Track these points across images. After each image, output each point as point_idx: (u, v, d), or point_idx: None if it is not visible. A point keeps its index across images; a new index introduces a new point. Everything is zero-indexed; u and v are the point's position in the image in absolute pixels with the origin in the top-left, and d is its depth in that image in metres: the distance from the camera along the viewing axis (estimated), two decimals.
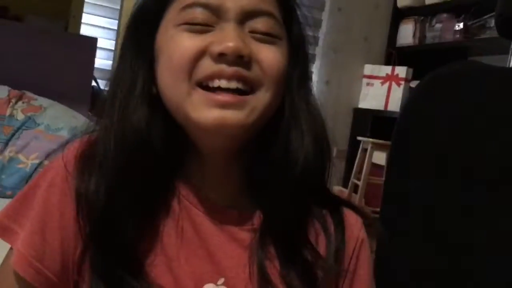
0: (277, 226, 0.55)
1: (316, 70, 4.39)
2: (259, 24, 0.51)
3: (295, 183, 0.54)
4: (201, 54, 0.49)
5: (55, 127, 1.59)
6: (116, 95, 0.53)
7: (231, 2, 0.50)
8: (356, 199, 3.06)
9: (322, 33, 3.79)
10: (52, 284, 0.52)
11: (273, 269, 0.54)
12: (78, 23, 2.18)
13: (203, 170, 0.56)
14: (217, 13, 0.51)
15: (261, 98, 0.51)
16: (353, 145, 3.68)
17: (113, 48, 2.64)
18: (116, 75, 0.54)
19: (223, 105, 0.48)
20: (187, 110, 0.50)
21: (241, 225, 0.56)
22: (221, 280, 0.54)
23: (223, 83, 0.49)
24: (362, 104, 3.80)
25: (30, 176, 1.47)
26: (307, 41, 0.58)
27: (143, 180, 0.51)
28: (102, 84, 2.33)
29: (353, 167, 3.35)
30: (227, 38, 0.49)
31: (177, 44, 0.50)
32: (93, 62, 2.03)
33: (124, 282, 0.50)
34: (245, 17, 0.51)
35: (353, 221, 0.61)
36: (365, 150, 3.12)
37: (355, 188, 3.16)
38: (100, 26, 2.65)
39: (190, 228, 0.55)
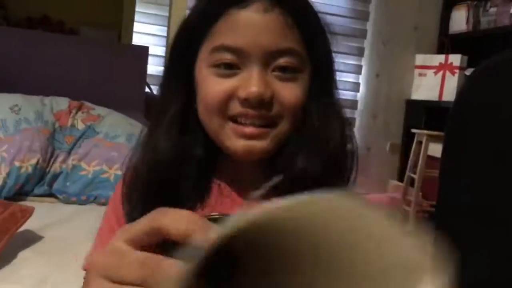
0: None
1: (365, 63, 4.32)
2: (282, 61, 0.57)
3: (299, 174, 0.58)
4: (229, 97, 0.56)
5: (113, 135, 1.65)
6: (159, 117, 0.61)
7: (253, 45, 0.56)
8: (413, 193, 2.99)
9: (370, 25, 3.73)
10: None
11: None
12: (130, 32, 2.25)
13: (234, 171, 0.62)
14: (242, 55, 0.56)
15: (281, 129, 0.58)
16: (408, 138, 3.60)
17: (163, 55, 2.71)
18: (160, 98, 0.63)
19: (250, 137, 0.57)
20: (221, 138, 0.58)
21: None
22: None
23: (248, 121, 0.56)
24: (415, 96, 3.71)
25: (92, 182, 1.54)
26: (331, 54, 0.62)
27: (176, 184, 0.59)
28: (155, 90, 2.40)
29: (408, 161, 3.28)
30: (250, 84, 0.55)
31: (208, 87, 0.57)
32: (145, 70, 2.09)
33: None
34: (268, 57, 0.56)
35: None
36: (420, 142, 3.05)
37: (411, 182, 3.09)
38: (150, 34, 2.72)
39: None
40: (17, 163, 1.45)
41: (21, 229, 1.05)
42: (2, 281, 0.90)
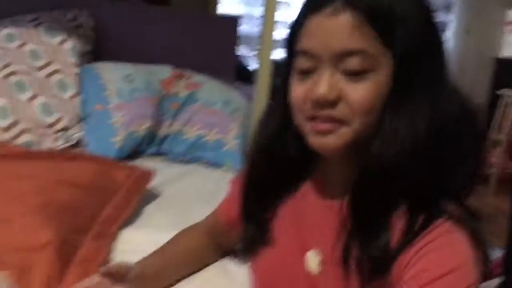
0: (361, 216, 0.65)
1: (454, 19, 4.19)
2: (350, 64, 0.61)
3: (379, 187, 0.63)
4: (304, 100, 0.65)
5: (211, 102, 1.83)
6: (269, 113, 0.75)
7: (322, 48, 0.61)
8: (496, 155, 2.97)
9: None
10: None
11: (354, 251, 0.65)
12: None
13: (324, 169, 0.73)
14: (314, 59, 0.63)
15: (353, 127, 0.62)
16: (493, 98, 3.51)
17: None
18: (268, 107, 0.77)
19: (322, 133, 0.64)
20: (305, 136, 0.67)
21: (342, 207, 0.68)
22: (318, 250, 0.71)
23: (320, 120, 0.64)
24: (505, 53, 3.58)
25: (194, 145, 1.74)
26: (422, 42, 0.61)
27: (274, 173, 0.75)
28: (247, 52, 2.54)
29: (492, 122, 3.23)
30: (317, 86, 0.62)
31: (292, 90, 0.67)
32: (235, 38, 2.24)
33: (256, 236, 0.76)
34: (336, 59, 0.61)
35: (435, 234, 0.61)
36: (506, 104, 2.99)
37: (495, 144, 3.06)
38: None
39: (304, 209, 0.74)
40: (132, 127, 1.67)
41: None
42: (134, 233, 1.09)
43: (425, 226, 0.62)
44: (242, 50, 3.05)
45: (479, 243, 0.62)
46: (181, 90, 1.85)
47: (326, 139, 0.64)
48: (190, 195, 1.38)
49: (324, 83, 0.61)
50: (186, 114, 1.79)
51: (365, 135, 0.62)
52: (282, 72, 0.72)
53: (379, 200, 0.63)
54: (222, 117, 1.79)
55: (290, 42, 0.67)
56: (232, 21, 2.23)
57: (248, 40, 3.18)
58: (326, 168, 0.72)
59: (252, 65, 2.80)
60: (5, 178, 0.95)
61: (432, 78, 0.63)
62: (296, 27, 0.65)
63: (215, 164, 1.70)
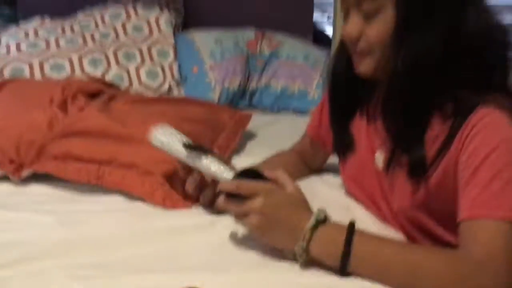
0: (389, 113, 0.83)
1: None
2: (364, 6, 0.77)
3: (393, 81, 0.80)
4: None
5: (292, 56, 2.02)
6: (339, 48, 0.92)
7: None
8: None
9: None
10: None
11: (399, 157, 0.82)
12: None
13: (380, 88, 0.89)
14: (345, 3, 0.80)
15: (376, 56, 0.79)
16: None
17: None
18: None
19: (355, 62, 0.83)
20: None
21: None
22: (381, 150, 0.88)
23: (353, 52, 0.82)
24: None
25: (281, 96, 1.94)
26: None
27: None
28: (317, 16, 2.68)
29: None
30: (345, 27, 0.80)
31: (342, 28, 0.83)
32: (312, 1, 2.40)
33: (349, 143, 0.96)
34: (357, 4, 0.78)
35: (474, 121, 0.73)
36: None
37: None
38: None
39: (373, 119, 0.92)
40: (226, 84, 1.90)
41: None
42: (241, 159, 1.31)
43: (464, 114, 0.74)
44: (317, 16, 3.17)
45: None
46: (265, 49, 2.05)
47: (359, 67, 0.83)
48: (281, 135, 1.57)
49: (349, 25, 0.80)
50: (271, 69, 1.99)
51: (387, 60, 0.78)
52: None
53: (404, 114, 0.79)
54: (304, 70, 1.97)
55: None
56: None
57: (322, 6, 3.29)
58: (380, 85, 0.88)
59: (328, 30, 2.92)
60: (142, 115, 1.20)
61: (446, 6, 0.75)
62: None
63: (301, 111, 1.88)
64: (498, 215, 0.67)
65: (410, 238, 0.86)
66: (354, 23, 0.79)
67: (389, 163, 0.83)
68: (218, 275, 0.69)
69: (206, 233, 0.82)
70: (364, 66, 0.82)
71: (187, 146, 0.83)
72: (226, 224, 0.82)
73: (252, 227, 0.71)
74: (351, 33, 0.79)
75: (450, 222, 0.74)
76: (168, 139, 0.86)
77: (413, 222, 0.85)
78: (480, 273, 0.65)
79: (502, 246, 0.66)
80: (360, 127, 0.95)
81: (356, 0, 0.77)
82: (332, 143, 1.02)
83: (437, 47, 0.75)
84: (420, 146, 0.78)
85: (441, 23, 0.75)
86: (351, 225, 0.70)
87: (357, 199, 0.97)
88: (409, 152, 0.79)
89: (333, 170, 1.12)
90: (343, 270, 0.68)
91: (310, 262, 0.70)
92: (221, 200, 0.76)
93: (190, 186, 0.90)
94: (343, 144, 0.98)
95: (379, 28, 0.77)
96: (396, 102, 0.80)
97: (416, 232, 0.85)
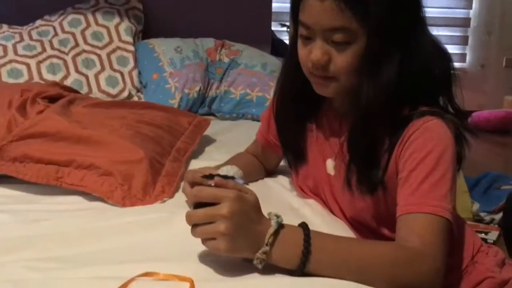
0: (357, 151, 0.86)
1: None
2: (335, 37, 0.80)
3: (362, 120, 0.84)
4: (307, 58, 0.84)
5: (251, 65, 2.07)
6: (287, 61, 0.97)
7: (315, 24, 0.81)
8: None
9: None
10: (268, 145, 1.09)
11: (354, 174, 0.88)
12: None
13: (330, 101, 0.95)
14: (310, 30, 0.82)
15: (339, 83, 0.84)
16: None
17: None
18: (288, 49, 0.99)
19: (320, 85, 0.87)
20: (311, 83, 0.89)
21: (344, 127, 0.92)
22: (332, 158, 0.95)
23: (317, 75, 0.85)
24: None
25: (239, 103, 1.98)
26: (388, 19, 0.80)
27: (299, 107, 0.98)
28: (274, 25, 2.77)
29: None
30: (313, 52, 0.82)
31: (299, 49, 0.87)
32: (270, 11, 2.46)
33: (299, 154, 1.01)
34: (326, 33, 0.81)
35: (413, 129, 0.82)
36: None
37: None
38: None
39: (322, 129, 0.98)
40: (186, 90, 1.93)
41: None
42: (199, 163, 1.34)
43: (403, 126, 0.83)
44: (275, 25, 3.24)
45: (454, 127, 0.83)
46: (224, 57, 2.10)
47: (323, 89, 0.87)
48: (240, 140, 1.61)
49: (318, 51, 0.82)
50: (230, 77, 2.03)
51: (352, 84, 0.84)
52: (293, 35, 0.93)
53: (371, 136, 0.85)
54: (262, 77, 2.03)
55: (294, 11, 0.89)
56: None
57: (280, 15, 3.37)
58: (332, 99, 0.95)
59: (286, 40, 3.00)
60: (102, 118, 1.22)
61: (404, 35, 0.82)
62: (297, 1, 0.86)
63: (259, 118, 1.93)
64: (426, 210, 0.76)
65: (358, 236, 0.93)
66: (324, 50, 0.82)
67: (348, 179, 0.88)
68: (175, 265, 0.72)
69: (165, 227, 0.85)
70: (329, 90, 0.86)
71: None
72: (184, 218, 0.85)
73: (219, 234, 0.67)
74: (321, 59, 0.82)
75: (393, 222, 0.81)
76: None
77: (360, 222, 0.93)
78: (417, 260, 0.73)
79: (434, 236, 0.75)
80: (309, 138, 1.01)
81: (329, 31, 0.80)
82: (283, 153, 1.07)
83: (396, 72, 0.82)
84: (378, 164, 0.85)
85: (400, 51, 0.82)
86: (306, 226, 0.72)
87: None
88: (367, 168, 0.86)
89: (285, 171, 1.17)
90: (301, 269, 0.69)
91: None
92: (187, 213, 0.72)
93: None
94: (294, 157, 1.03)
95: (349, 57, 0.81)
96: (365, 122, 0.84)
97: (364, 232, 0.93)
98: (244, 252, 0.70)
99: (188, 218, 0.70)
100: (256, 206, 0.72)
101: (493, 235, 1.83)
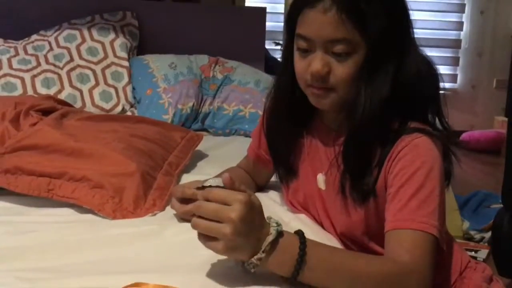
0: (351, 162, 0.88)
1: (468, 1, 4.32)
2: (336, 48, 0.82)
3: (358, 129, 0.86)
4: (305, 71, 0.86)
5: (244, 82, 2.09)
6: (278, 75, 0.99)
7: (317, 35, 0.82)
8: None
9: None
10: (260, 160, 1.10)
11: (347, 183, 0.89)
12: None
13: (323, 115, 0.97)
14: (310, 42, 0.84)
15: (339, 94, 0.86)
16: None
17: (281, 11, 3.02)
18: (281, 62, 0.99)
19: (319, 96, 0.87)
20: (307, 95, 0.89)
21: (336, 142, 0.93)
22: (323, 173, 0.96)
23: (316, 87, 0.86)
24: None
25: (232, 119, 2.00)
26: (388, 33, 0.83)
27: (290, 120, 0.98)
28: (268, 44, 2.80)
29: None
30: (313, 64, 0.84)
31: (295, 62, 0.88)
32: (264, 28, 2.49)
33: (290, 168, 1.01)
34: (327, 44, 0.82)
35: (402, 145, 0.83)
36: None
37: None
38: None
39: (313, 144, 0.99)
40: (179, 106, 1.95)
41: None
42: (190, 177, 1.35)
43: (393, 141, 0.85)
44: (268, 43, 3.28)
45: (442, 144, 0.85)
46: (218, 73, 2.12)
47: (321, 100, 0.88)
48: (232, 155, 1.62)
49: (319, 62, 0.83)
50: (224, 93, 2.05)
51: (349, 96, 0.86)
52: (287, 47, 0.94)
53: (365, 145, 0.87)
54: (255, 94, 2.05)
55: (290, 25, 0.90)
56: (260, 12, 2.49)
57: (273, 34, 3.42)
58: (324, 114, 0.97)
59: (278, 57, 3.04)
60: (94, 131, 1.23)
61: (398, 51, 0.85)
62: (294, 15, 0.88)
63: None
64: (415, 227, 0.78)
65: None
66: (324, 61, 0.83)
67: (342, 186, 0.89)
68: (164, 276, 0.72)
69: (154, 239, 0.86)
70: (327, 101, 0.87)
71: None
72: (175, 231, 0.86)
73: (222, 236, 0.67)
74: (322, 70, 0.83)
75: (383, 238, 0.83)
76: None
77: (351, 238, 0.94)
78: (407, 275, 0.75)
79: (422, 252, 0.76)
80: (300, 152, 1.01)
81: (330, 42, 0.82)
82: (274, 168, 1.08)
83: (391, 84, 0.84)
84: (370, 173, 0.87)
85: (394, 64, 0.85)
86: (302, 234, 0.73)
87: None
88: (361, 175, 0.87)
89: (276, 186, 1.18)
90: (294, 277, 0.70)
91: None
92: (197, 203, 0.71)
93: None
94: (285, 172, 1.04)
95: (349, 68, 0.83)
96: (361, 132, 0.86)
97: (355, 249, 0.94)
98: (240, 255, 0.70)
99: (197, 208, 0.70)
100: (261, 211, 0.72)
101: (483, 254, 1.84)
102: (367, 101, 0.83)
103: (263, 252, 0.69)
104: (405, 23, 0.87)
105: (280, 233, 0.71)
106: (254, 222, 0.70)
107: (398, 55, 0.85)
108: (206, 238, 0.70)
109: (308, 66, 0.85)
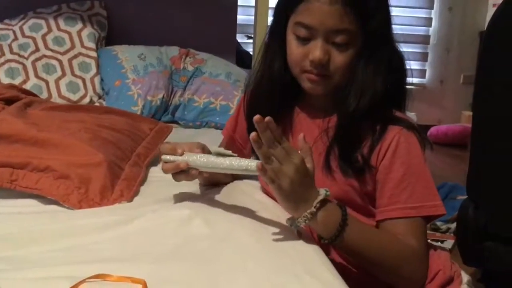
0: (345, 140, 0.91)
1: None
2: (338, 38, 0.86)
3: (352, 112, 0.90)
4: (303, 58, 0.89)
5: (215, 74, 2.08)
6: (265, 58, 0.99)
7: (320, 25, 0.85)
8: None
9: None
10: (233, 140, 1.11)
11: (334, 158, 0.91)
12: None
13: (310, 97, 0.98)
14: (312, 31, 0.87)
15: (334, 80, 0.90)
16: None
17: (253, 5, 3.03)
18: (266, 45, 1.00)
19: (315, 82, 0.90)
20: (300, 81, 0.93)
21: (323, 121, 0.95)
22: None
23: (313, 73, 0.89)
24: None
25: (203, 111, 1.98)
26: (385, 27, 0.91)
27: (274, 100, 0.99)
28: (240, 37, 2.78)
29: None
30: (315, 51, 0.87)
31: (291, 48, 0.91)
32: (235, 21, 2.48)
33: None
34: (329, 34, 0.86)
35: (392, 133, 0.88)
36: None
37: None
38: None
39: (298, 122, 1.00)
40: (149, 98, 1.92)
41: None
42: (159, 168, 1.33)
43: (382, 131, 0.90)
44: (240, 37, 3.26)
45: (422, 136, 0.91)
46: (188, 65, 2.10)
47: (316, 87, 0.92)
48: None
49: (321, 50, 0.87)
50: (194, 85, 2.03)
51: (342, 83, 0.91)
52: (277, 30, 0.96)
53: (356, 130, 0.91)
54: (226, 86, 2.03)
55: (286, 10, 0.91)
56: (231, 3, 2.48)
57: (245, 27, 3.40)
58: (312, 96, 0.98)
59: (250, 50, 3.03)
60: (59, 121, 1.20)
61: (387, 44, 0.92)
62: (294, 4, 0.89)
63: (223, 126, 1.93)
64: (425, 213, 0.87)
65: None
66: (325, 50, 0.87)
67: (328, 161, 0.92)
68: (128, 266, 0.71)
69: (120, 229, 0.84)
70: (323, 87, 0.91)
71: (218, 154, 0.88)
72: (141, 221, 0.85)
73: (286, 177, 0.75)
74: (323, 59, 0.87)
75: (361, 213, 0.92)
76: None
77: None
78: (419, 259, 0.87)
79: (425, 239, 0.88)
80: (284, 133, 1.00)
81: (332, 32, 0.86)
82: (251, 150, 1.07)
83: (384, 74, 0.90)
84: (359, 149, 0.90)
85: (387, 54, 0.91)
86: (343, 205, 0.82)
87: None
88: (349, 151, 0.91)
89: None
90: (335, 236, 0.79)
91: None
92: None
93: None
94: None
95: (348, 57, 0.88)
96: (355, 113, 0.90)
97: None
98: (296, 203, 0.78)
99: (264, 154, 0.76)
100: (313, 174, 0.80)
101: (448, 244, 1.88)
102: (365, 87, 0.89)
103: (314, 207, 0.77)
104: (389, 13, 0.93)
105: (327, 198, 0.80)
106: (308, 177, 0.78)
107: (390, 47, 0.92)
108: (271, 179, 0.76)
109: (306, 53, 0.88)
